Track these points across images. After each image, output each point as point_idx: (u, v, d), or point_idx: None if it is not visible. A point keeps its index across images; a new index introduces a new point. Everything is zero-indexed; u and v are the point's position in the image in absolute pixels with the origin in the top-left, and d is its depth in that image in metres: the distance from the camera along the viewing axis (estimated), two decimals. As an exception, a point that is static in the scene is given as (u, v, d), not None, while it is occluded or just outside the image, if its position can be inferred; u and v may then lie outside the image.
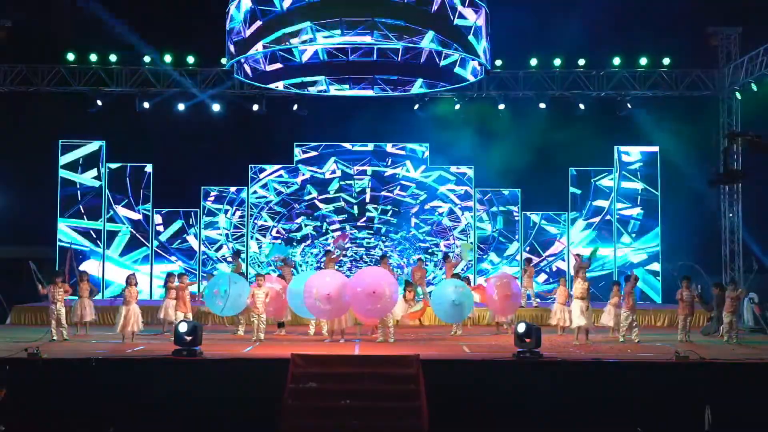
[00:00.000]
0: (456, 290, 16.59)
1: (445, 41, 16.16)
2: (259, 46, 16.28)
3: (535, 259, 22.13)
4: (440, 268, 22.00)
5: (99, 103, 22.01)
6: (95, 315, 17.63)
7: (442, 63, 17.67)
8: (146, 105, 22.08)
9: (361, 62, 17.97)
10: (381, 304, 15.76)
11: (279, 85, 19.22)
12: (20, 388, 12.62)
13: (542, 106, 22.42)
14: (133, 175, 22.54)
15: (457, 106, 22.55)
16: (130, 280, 16.67)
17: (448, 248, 22.66)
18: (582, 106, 22.30)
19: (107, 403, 12.56)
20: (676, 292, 17.21)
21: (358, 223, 23.15)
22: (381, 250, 22.74)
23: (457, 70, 17.81)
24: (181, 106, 22.30)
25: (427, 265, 21.80)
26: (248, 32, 15.89)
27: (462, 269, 21.34)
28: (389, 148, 23.19)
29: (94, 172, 22.42)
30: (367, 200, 23.16)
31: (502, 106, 22.50)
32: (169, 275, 17.64)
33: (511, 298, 17.12)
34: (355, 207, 23.16)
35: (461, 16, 15.89)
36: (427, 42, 16.03)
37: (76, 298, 17.39)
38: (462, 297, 16.56)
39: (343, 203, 23.16)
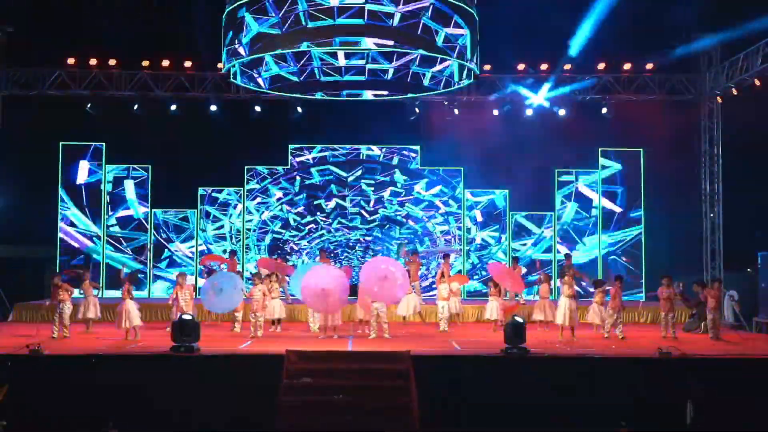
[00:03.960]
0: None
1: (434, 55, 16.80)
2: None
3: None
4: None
5: (95, 106, 22.32)
6: (99, 312, 17.89)
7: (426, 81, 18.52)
8: (136, 107, 22.32)
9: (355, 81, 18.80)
10: (392, 289, 16.32)
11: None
12: (22, 384, 12.88)
13: (529, 113, 22.87)
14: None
15: (456, 111, 22.89)
16: (131, 277, 17.28)
17: (447, 244, 23.10)
18: (563, 112, 22.74)
19: (106, 399, 12.80)
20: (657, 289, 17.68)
21: (350, 224, 23.57)
22: (372, 251, 23.20)
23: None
24: (176, 109, 22.59)
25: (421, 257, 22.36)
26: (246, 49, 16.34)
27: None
28: (382, 149, 23.61)
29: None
30: (359, 201, 23.57)
31: (495, 112, 22.94)
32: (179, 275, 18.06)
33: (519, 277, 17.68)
34: (347, 207, 23.57)
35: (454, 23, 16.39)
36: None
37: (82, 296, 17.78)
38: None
39: (334, 203, 23.56)
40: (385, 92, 19.61)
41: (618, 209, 23.06)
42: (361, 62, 18.16)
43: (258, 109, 22.44)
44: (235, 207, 23.27)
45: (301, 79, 18.51)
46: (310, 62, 18.11)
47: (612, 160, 23.12)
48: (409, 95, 20.37)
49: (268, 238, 23.46)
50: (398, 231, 23.56)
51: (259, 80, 18.56)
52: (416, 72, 18.37)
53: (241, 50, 16.42)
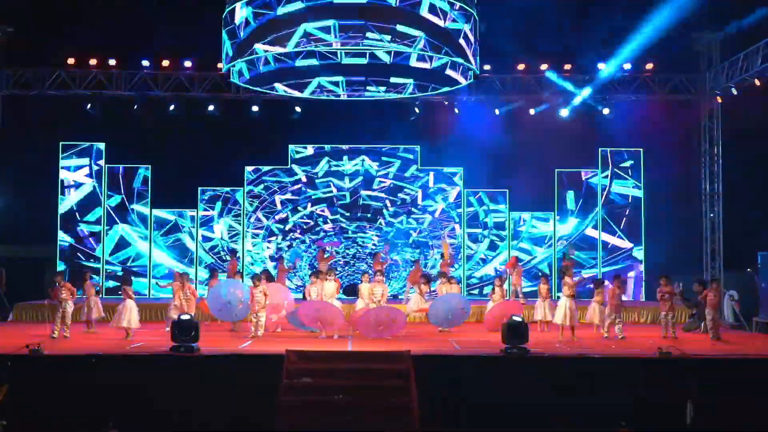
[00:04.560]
0: (453, 307, 17.47)
1: (436, 45, 16.69)
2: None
3: (525, 257, 22.65)
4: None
5: (95, 107, 22.34)
6: (103, 313, 17.87)
7: (433, 65, 18.20)
8: (136, 107, 22.37)
9: (354, 65, 18.47)
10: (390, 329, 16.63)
11: (281, 87, 19.62)
12: (22, 384, 12.88)
13: (532, 112, 22.87)
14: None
15: (456, 110, 22.90)
16: (126, 279, 17.26)
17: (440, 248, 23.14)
18: (565, 112, 22.75)
19: (106, 399, 12.81)
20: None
21: (351, 224, 23.59)
22: (375, 245, 23.21)
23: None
24: (176, 109, 22.63)
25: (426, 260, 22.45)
26: (245, 34, 16.31)
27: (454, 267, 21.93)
28: (381, 149, 23.61)
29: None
30: (360, 201, 23.59)
31: (497, 111, 22.94)
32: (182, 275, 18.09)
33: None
34: (348, 208, 23.59)
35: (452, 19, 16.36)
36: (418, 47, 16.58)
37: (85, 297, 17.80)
38: (457, 315, 17.50)
39: (335, 204, 23.59)
40: (383, 88, 19.51)
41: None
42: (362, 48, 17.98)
43: (255, 108, 22.43)
44: (234, 206, 23.27)
45: (299, 58, 18.25)
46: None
47: (624, 155, 23.12)
48: (409, 94, 20.37)
49: (269, 237, 23.47)
50: (398, 230, 23.54)
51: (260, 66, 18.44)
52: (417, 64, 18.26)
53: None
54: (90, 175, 22.83)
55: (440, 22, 16.00)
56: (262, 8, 16.09)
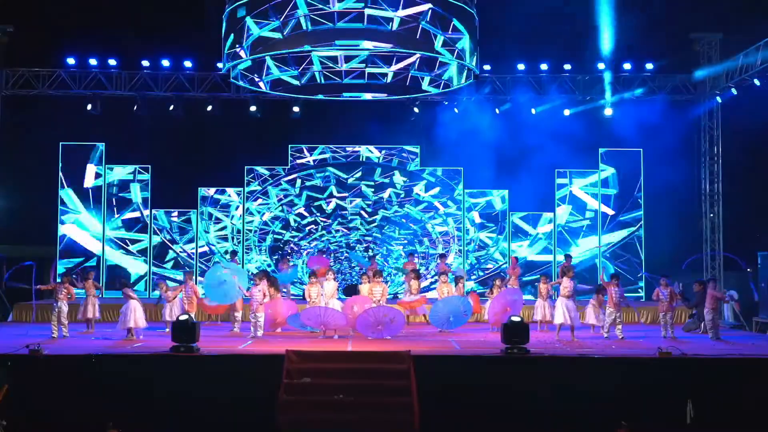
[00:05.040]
0: (454, 309, 17.39)
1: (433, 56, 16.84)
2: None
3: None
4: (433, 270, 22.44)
5: (95, 107, 22.36)
6: (98, 314, 17.91)
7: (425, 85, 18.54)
8: (136, 107, 22.40)
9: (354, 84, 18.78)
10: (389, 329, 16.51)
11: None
12: (22, 384, 12.92)
13: (533, 111, 22.86)
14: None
15: (456, 110, 22.93)
16: (124, 281, 17.42)
17: (444, 247, 23.14)
18: (567, 112, 22.75)
19: (107, 399, 12.83)
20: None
21: (350, 223, 23.60)
22: (372, 250, 23.22)
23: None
24: (176, 109, 22.64)
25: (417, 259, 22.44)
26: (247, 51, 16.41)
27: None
28: (381, 149, 23.61)
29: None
30: (360, 201, 23.60)
31: (498, 111, 22.94)
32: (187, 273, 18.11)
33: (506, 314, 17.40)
34: (348, 208, 23.60)
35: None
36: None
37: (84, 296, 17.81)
38: (458, 317, 17.41)
39: (334, 204, 23.59)
40: (384, 94, 19.61)
41: (611, 212, 23.01)
42: (361, 66, 18.13)
43: (253, 108, 22.43)
44: (236, 208, 23.29)
45: (302, 82, 18.49)
46: (310, 65, 18.10)
47: (605, 163, 23.08)
48: (412, 95, 20.42)
49: (268, 239, 23.49)
50: (398, 231, 23.57)
51: (261, 84, 18.56)
52: (415, 75, 18.37)
53: (242, 53, 16.44)
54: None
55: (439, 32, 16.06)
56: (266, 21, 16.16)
